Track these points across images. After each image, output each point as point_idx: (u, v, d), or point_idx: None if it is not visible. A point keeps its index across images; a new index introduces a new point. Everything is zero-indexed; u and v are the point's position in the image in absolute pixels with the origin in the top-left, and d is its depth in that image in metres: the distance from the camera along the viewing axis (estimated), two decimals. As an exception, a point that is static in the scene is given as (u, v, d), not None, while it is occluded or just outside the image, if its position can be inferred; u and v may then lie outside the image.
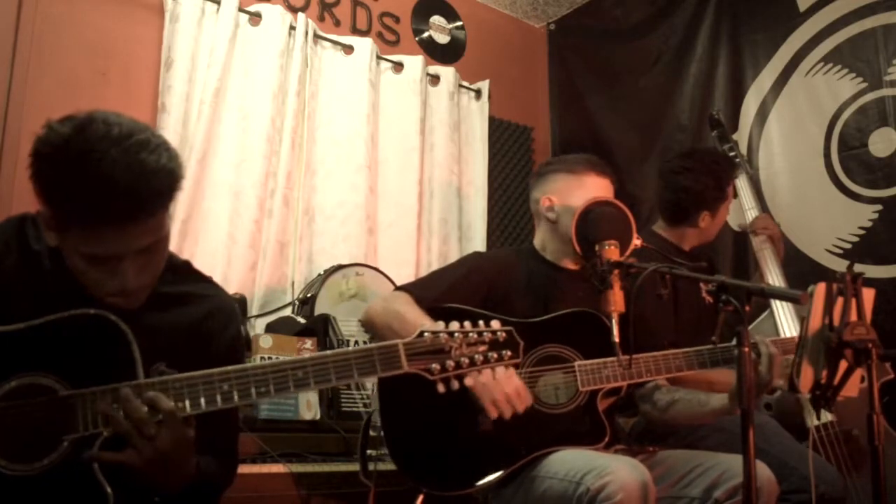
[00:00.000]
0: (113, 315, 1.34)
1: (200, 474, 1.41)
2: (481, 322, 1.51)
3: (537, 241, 2.28)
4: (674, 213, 2.78)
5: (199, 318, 1.52)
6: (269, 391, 1.37)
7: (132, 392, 1.30)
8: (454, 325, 1.48)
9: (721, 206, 2.76)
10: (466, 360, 1.45)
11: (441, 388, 1.44)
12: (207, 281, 1.60)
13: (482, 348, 1.46)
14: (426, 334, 1.45)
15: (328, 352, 1.45)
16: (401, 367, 1.43)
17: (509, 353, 1.48)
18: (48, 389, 1.33)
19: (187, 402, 1.34)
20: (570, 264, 2.22)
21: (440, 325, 1.48)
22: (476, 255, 2.47)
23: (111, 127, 1.26)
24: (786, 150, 3.31)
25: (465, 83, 3.89)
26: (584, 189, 2.16)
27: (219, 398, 1.35)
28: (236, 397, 1.36)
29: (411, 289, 2.09)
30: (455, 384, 1.45)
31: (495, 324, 1.51)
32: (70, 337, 1.34)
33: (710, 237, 2.83)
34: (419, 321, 1.91)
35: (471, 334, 1.47)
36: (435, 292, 2.06)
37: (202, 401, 1.35)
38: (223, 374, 1.37)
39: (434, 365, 1.43)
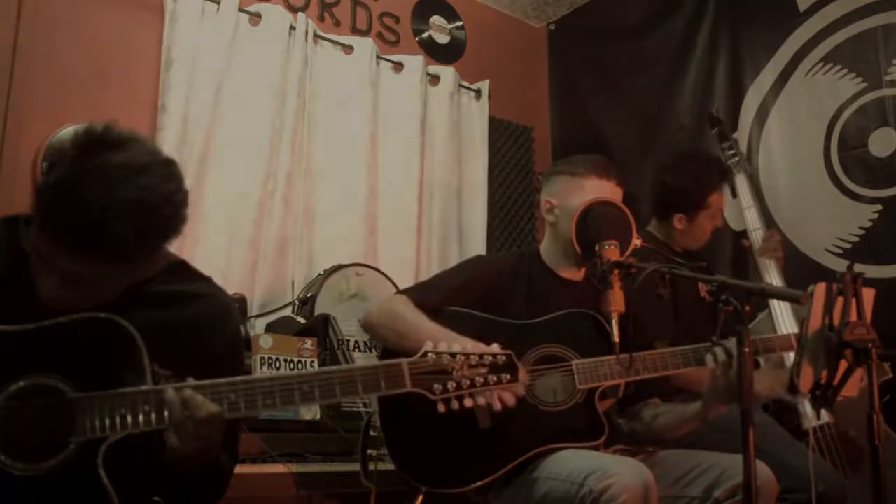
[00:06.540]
0: (125, 322, 1.35)
1: (217, 465, 1.48)
2: (483, 345, 1.57)
3: (542, 245, 2.26)
4: (654, 209, 2.78)
5: (195, 317, 1.51)
6: (275, 403, 1.42)
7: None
8: (456, 347, 1.53)
9: (699, 213, 2.72)
10: (467, 382, 1.50)
11: (441, 407, 1.50)
12: (204, 279, 1.59)
13: (482, 371, 1.52)
14: (430, 355, 1.51)
15: (334, 367, 1.51)
16: (405, 386, 1.49)
17: (508, 376, 1.54)
18: (56, 391, 1.34)
19: None
20: (565, 272, 2.19)
21: (443, 345, 1.53)
22: (478, 258, 2.47)
23: (130, 159, 1.28)
24: (786, 150, 3.31)
25: (465, 83, 3.89)
26: (584, 192, 2.12)
27: (225, 406, 1.38)
28: (243, 408, 1.39)
29: (412, 292, 2.09)
30: (455, 404, 1.52)
31: (495, 347, 1.57)
32: (79, 339, 1.35)
33: (694, 242, 2.77)
34: (419, 323, 1.92)
35: (472, 356, 1.52)
36: (435, 297, 2.06)
37: None
38: (230, 384, 1.40)
39: (436, 385, 1.49)
